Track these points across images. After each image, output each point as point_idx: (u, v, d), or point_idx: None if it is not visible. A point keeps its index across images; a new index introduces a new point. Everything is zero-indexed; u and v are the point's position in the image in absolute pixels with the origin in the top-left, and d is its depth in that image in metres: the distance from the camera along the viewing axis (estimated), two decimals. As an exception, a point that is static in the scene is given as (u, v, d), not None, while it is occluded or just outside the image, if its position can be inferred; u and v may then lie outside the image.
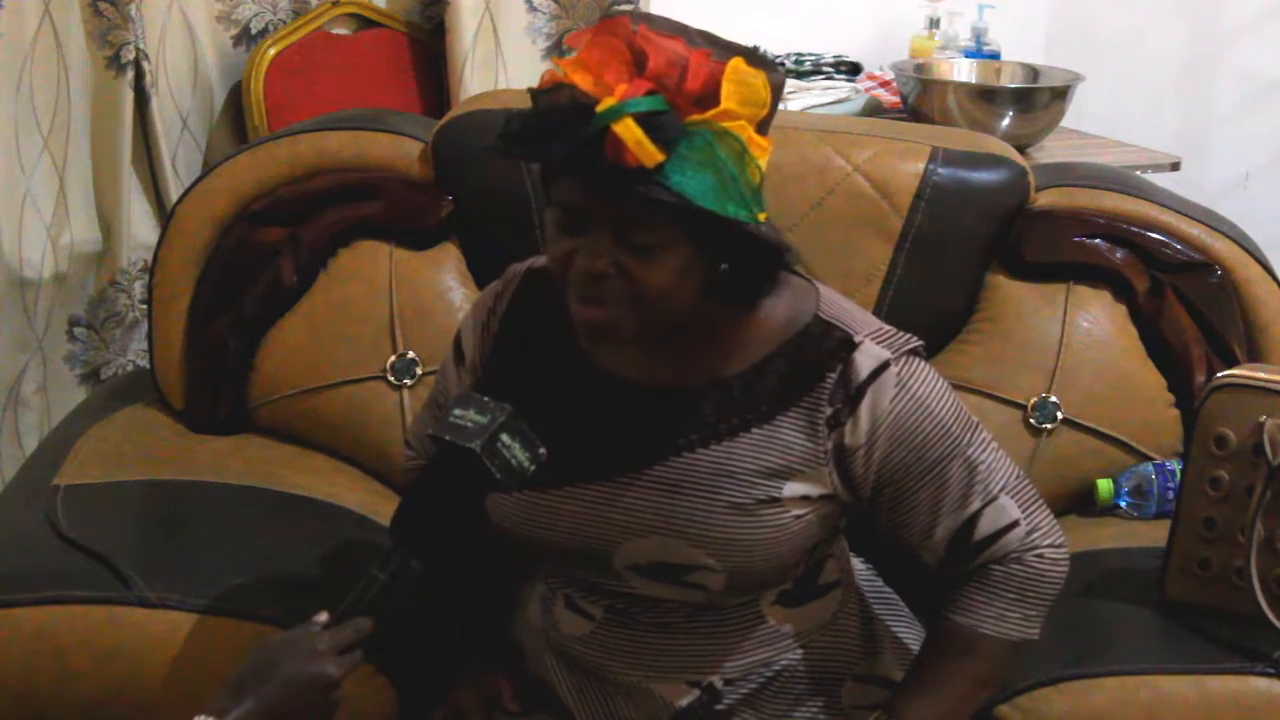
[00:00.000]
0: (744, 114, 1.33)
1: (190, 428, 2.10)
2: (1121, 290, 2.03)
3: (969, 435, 1.51)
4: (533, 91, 1.37)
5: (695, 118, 1.31)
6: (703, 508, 1.48)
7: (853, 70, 3.27)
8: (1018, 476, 1.54)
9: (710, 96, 1.32)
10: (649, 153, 1.29)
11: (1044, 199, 2.07)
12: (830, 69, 3.24)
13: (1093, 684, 1.64)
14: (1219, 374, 1.77)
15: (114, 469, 1.96)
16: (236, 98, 2.74)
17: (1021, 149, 2.72)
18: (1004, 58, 3.27)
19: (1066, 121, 3.02)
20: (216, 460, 2.01)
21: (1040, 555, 1.53)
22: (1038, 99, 2.98)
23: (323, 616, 1.40)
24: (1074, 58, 3.21)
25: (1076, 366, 2.00)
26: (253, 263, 2.07)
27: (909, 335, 1.51)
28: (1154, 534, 1.83)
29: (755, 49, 1.39)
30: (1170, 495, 1.91)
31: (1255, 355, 2.01)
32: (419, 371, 2.05)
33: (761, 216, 1.35)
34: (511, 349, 1.58)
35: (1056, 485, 1.97)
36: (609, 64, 1.32)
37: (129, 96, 2.56)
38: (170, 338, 2.11)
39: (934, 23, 3.32)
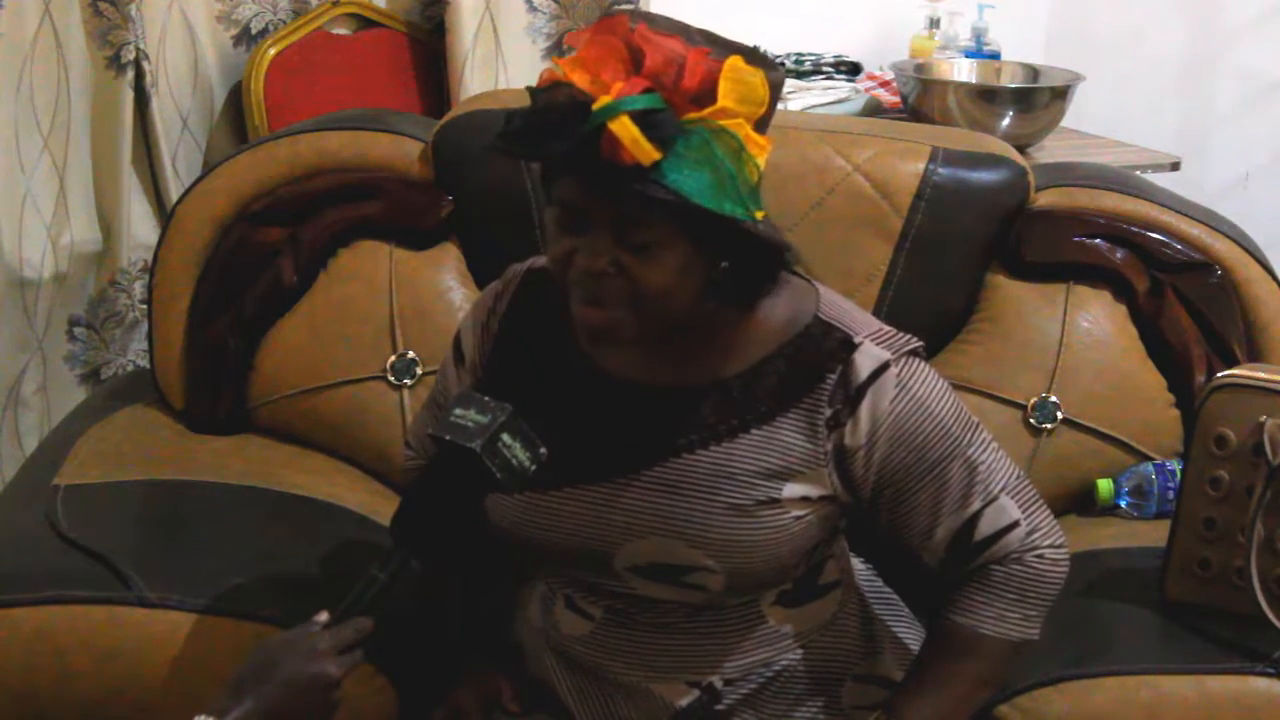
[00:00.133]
0: (741, 112, 1.33)
1: (190, 428, 2.10)
2: (1121, 290, 2.03)
3: (969, 436, 1.51)
4: (531, 90, 1.37)
5: (692, 116, 1.32)
6: (702, 509, 1.48)
7: (853, 70, 3.27)
8: (1018, 477, 1.54)
9: (707, 94, 1.32)
10: (645, 150, 1.29)
11: (1044, 199, 2.06)
12: (830, 69, 3.24)
13: (1093, 684, 1.64)
14: (1219, 374, 1.77)
15: (114, 469, 1.96)
16: (236, 98, 2.74)
17: (1021, 149, 2.72)
18: (1004, 58, 3.27)
19: (1066, 121, 3.02)
20: (216, 460, 2.01)
21: (1040, 556, 1.53)
22: (1038, 99, 2.98)
23: (323, 616, 1.40)
24: (1074, 58, 3.21)
25: (1076, 366, 2.00)
26: (253, 263, 2.07)
27: (909, 336, 1.51)
28: (1154, 534, 1.83)
29: (755, 48, 1.40)
30: (1170, 495, 1.91)
31: (1255, 355, 2.01)
32: (419, 371, 2.05)
33: (759, 215, 1.35)
34: (511, 349, 1.58)
35: (1056, 485, 1.97)
36: (606, 62, 1.33)
37: (129, 96, 2.56)
38: (170, 338, 2.11)
39: (934, 23, 3.32)
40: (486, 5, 2.79)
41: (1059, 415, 1.99)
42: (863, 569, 1.73)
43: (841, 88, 3.13)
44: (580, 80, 1.32)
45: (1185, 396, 1.99)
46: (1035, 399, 1.99)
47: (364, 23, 2.83)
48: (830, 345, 1.48)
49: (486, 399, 1.39)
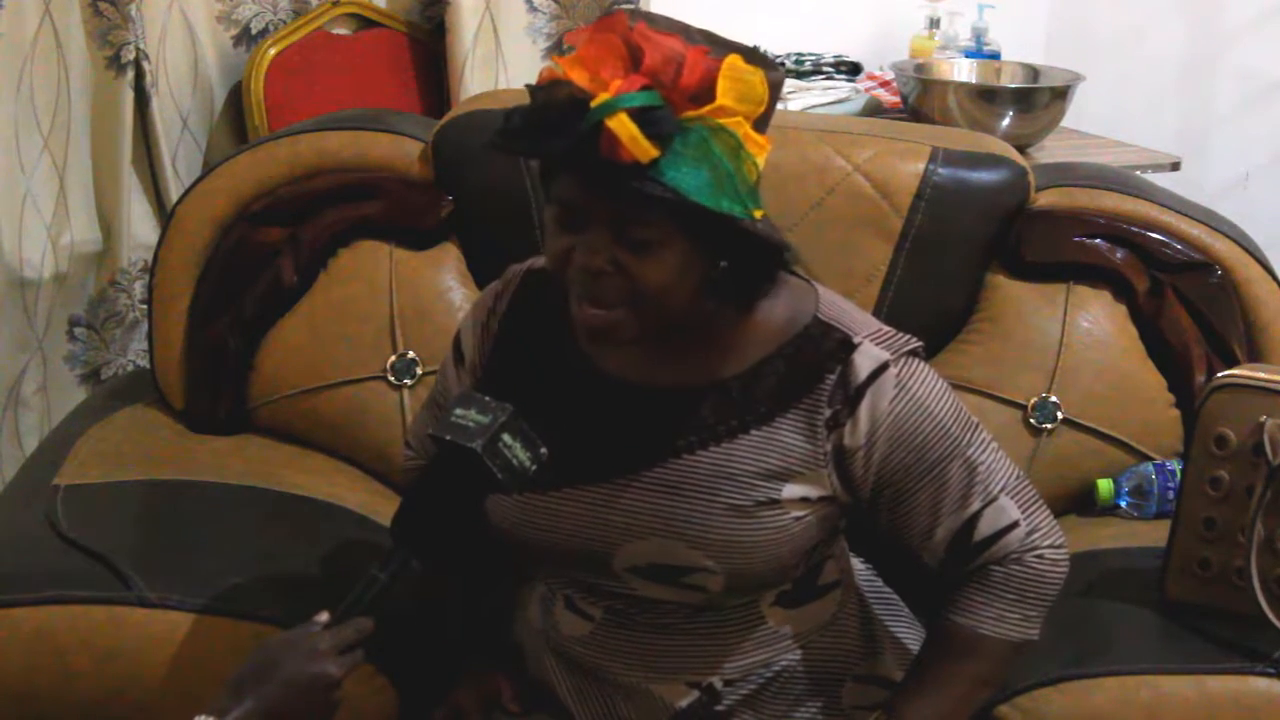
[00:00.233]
0: (740, 110, 1.33)
1: (190, 428, 2.10)
2: (1122, 290, 2.03)
3: (969, 436, 1.51)
4: (530, 88, 1.37)
5: (690, 114, 1.32)
6: (702, 510, 1.48)
7: (853, 70, 3.27)
8: (1017, 477, 1.54)
9: (706, 93, 1.32)
10: (643, 148, 1.29)
11: (1044, 199, 2.06)
12: (830, 69, 3.24)
13: (1093, 684, 1.64)
14: (1219, 374, 1.77)
15: (114, 469, 1.96)
16: (237, 98, 2.74)
17: (1022, 149, 2.73)
18: (1004, 58, 3.27)
19: (1066, 121, 3.02)
20: (216, 460, 2.01)
21: (1040, 556, 1.53)
22: (1038, 99, 2.99)
23: (323, 616, 1.40)
24: (1074, 58, 3.22)
25: (1076, 366, 2.00)
26: (253, 263, 2.07)
27: (908, 336, 1.51)
28: (1154, 534, 1.83)
29: (755, 48, 1.40)
30: (1170, 495, 1.91)
31: (1255, 355, 2.01)
32: (419, 371, 2.05)
33: (758, 213, 1.35)
34: (511, 350, 1.58)
35: (1056, 485, 1.97)
36: (605, 60, 1.33)
37: (129, 96, 2.56)
38: (170, 338, 2.11)
39: (934, 23, 3.32)
40: (487, 5, 2.79)
41: (1059, 415, 1.99)
42: (863, 569, 1.73)
43: (841, 88, 3.13)
44: (579, 78, 1.33)
45: (1185, 396, 1.99)
46: (1035, 399, 1.99)
47: (364, 23, 2.83)
48: (829, 346, 1.48)
49: (487, 399, 1.39)
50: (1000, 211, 2.05)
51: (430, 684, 1.70)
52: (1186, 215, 2.06)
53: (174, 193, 2.61)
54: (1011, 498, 1.52)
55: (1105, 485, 1.97)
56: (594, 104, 1.30)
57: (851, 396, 1.47)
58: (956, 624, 1.54)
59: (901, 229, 2.02)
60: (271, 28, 2.75)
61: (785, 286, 1.51)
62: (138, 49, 2.54)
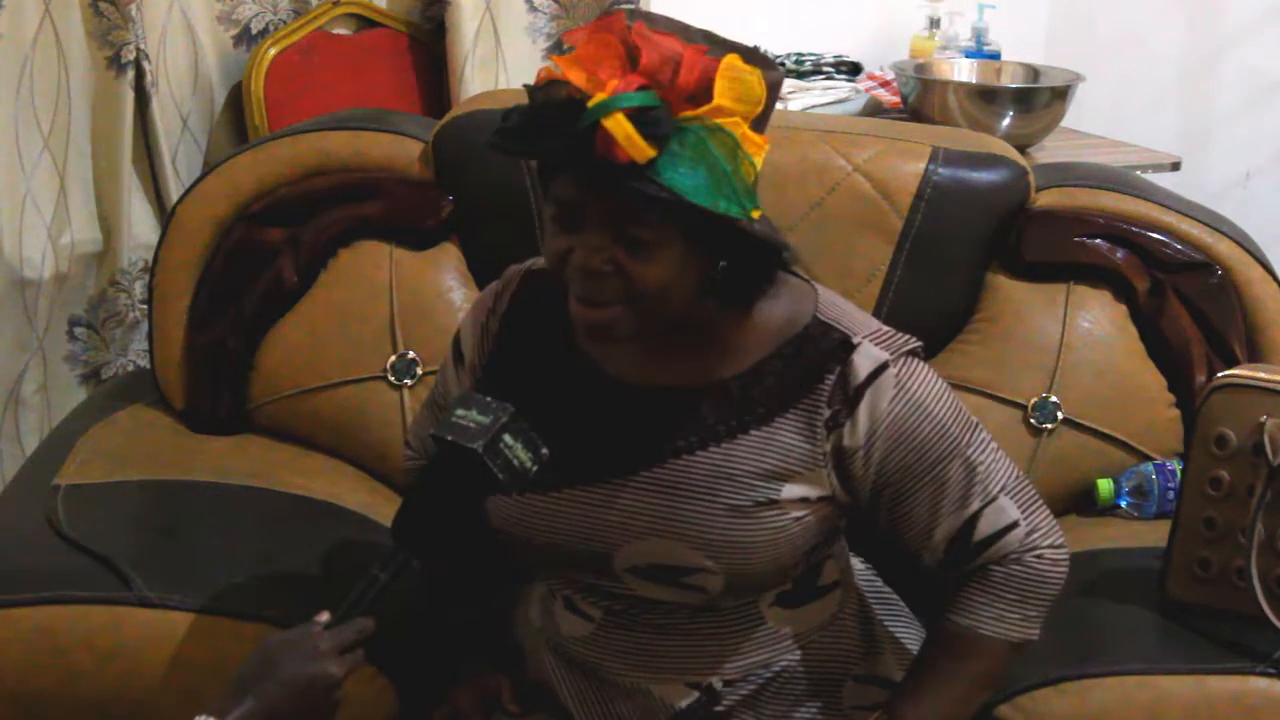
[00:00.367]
0: (738, 110, 1.33)
1: (190, 428, 2.10)
2: (1122, 290, 2.03)
3: (968, 436, 1.51)
4: (529, 87, 1.37)
5: (688, 114, 1.31)
6: (702, 510, 1.48)
7: (853, 70, 3.27)
8: (1017, 477, 1.54)
9: (703, 93, 1.32)
10: (639, 148, 1.29)
11: (1044, 199, 2.06)
12: (830, 69, 3.24)
13: (1093, 684, 1.64)
14: (1219, 374, 1.77)
15: (114, 469, 1.96)
16: (237, 98, 2.74)
17: (1022, 149, 2.73)
18: (1004, 58, 3.27)
19: (1067, 121, 3.02)
20: (216, 460, 2.01)
21: (1040, 556, 1.53)
22: (1038, 99, 2.99)
23: (324, 616, 1.40)
24: (1074, 58, 3.21)
25: (1077, 366, 2.00)
26: (253, 263, 2.08)
27: (908, 336, 1.51)
28: (1154, 534, 1.83)
29: (754, 48, 1.40)
30: (1171, 495, 1.91)
31: (1256, 355, 2.01)
32: (419, 371, 2.05)
33: (755, 213, 1.35)
34: (511, 350, 1.58)
35: (1057, 485, 1.97)
36: (603, 60, 1.33)
37: (129, 96, 2.56)
38: (170, 338, 2.11)
39: (934, 23, 3.32)
40: (487, 5, 2.79)
41: (1059, 415, 1.98)
42: (863, 569, 1.73)
43: (842, 88, 3.13)
44: (576, 78, 1.32)
45: (1186, 396, 1.99)
46: (1035, 399, 1.99)
47: (364, 23, 2.83)
48: (829, 346, 1.48)
49: (488, 399, 1.38)
50: (1000, 211, 2.05)
51: (430, 684, 1.70)
52: (1187, 215, 2.06)
53: (174, 193, 2.61)
54: (1011, 498, 1.52)
55: (1105, 485, 1.97)
56: (591, 103, 1.30)
57: (851, 396, 1.46)
58: (956, 624, 1.54)
59: (902, 229, 2.02)
60: (272, 28, 2.75)
61: (785, 286, 1.51)
62: (138, 49, 2.54)
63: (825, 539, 1.56)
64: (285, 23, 2.75)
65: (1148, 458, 1.99)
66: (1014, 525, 1.52)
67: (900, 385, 1.47)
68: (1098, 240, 2.03)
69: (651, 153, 1.29)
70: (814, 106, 3.01)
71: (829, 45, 3.32)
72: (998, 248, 2.06)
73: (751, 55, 1.36)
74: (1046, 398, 1.99)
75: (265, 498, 1.93)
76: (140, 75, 2.56)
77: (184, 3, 2.65)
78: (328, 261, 2.09)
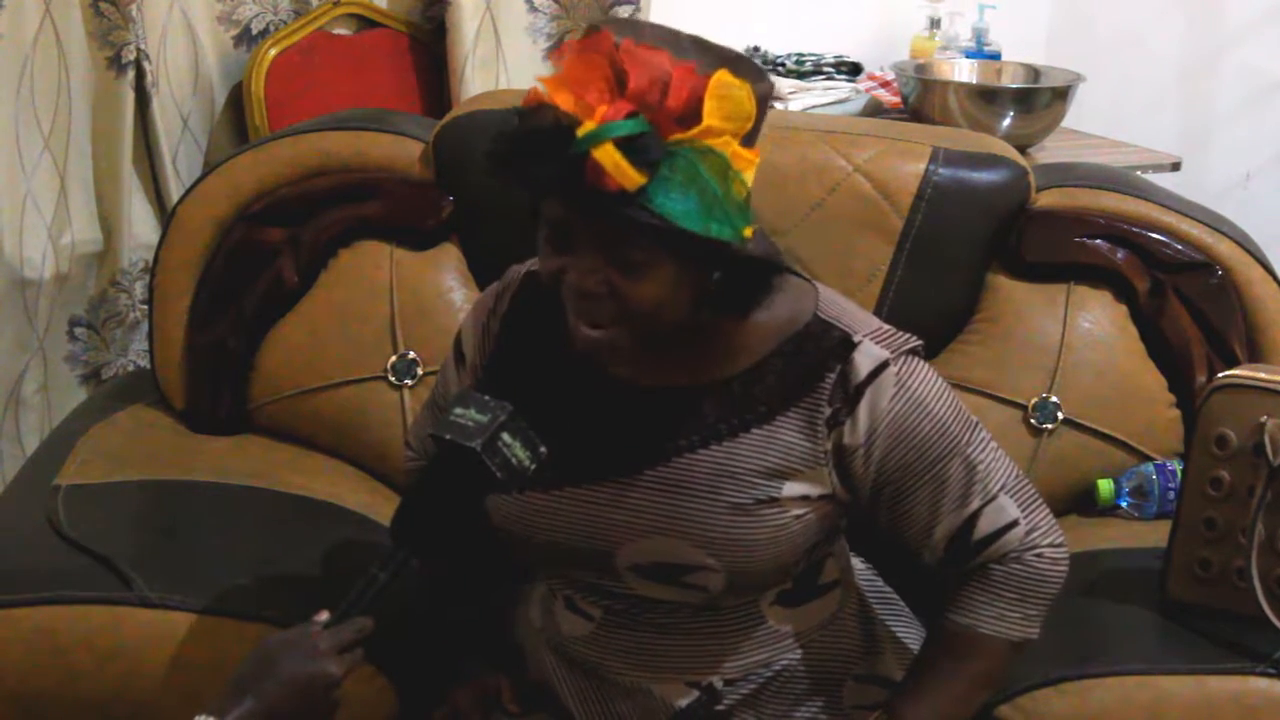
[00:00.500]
0: (728, 129, 1.31)
1: (190, 428, 2.10)
2: (1122, 290, 2.03)
3: (968, 435, 1.51)
4: (518, 111, 1.36)
5: (678, 136, 1.30)
6: (703, 508, 1.48)
7: (853, 70, 3.27)
8: (1017, 476, 1.54)
9: (693, 114, 1.30)
10: (629, 177, 1.28)
11: (1045, 199, 2.06)
12: (831, 69, 3.24)
13: (1093, 684, 1.64)
14: (1220, 374, 1.77)
15: (114, 469, 1.97)
16: (237, 98, 2.74)
17: (1022, 149, 2.72)
18: (1005, 58, 3.27)
19: (1067, 121, 3.02)
20: (217, 460, 2.01)
21: (1040, 555, 1.53)
22: (1038, 99, 2.98)
23: (323, 616, 1.40)
24: (1074, 58, 3.21)
25: (1077, 367, 2.00)
26: (253, 263, 2.08)
27: (908, 335, 1.51)
28: (1155, 534, 1.83)
29: (745, 57, 1.38)
30: (1171, 495, 1.91)
31: (1256, 356, 2.01)
32: (420, 372, 2.05)
33: (748, 232, 1.34)
34: (511, 350, 1.58)
35: (1057, 485, 1.97)
36: (590, 83, 1.31)
37: (130, 97, 2.56)
38: (171, 338, 2.11)
39: (935, 23, 3.32)
40: (487, 5, 2.79)
41: (1059, 415, 1.98)
42: (863, 569, 1.73)
43: (842, 88, 3.13)
44: (564, 102, 1.31)
45: (1186, 397, 1.99)
46: (1036, 399, 1.99)
47: (365, 23, 2.83)
48: (829, 344, 1.48)
49: (486, 398, 1.39)
50: (1001, 212, 2.05)
51: (430, 684, 1.70)
52: (1187, 215, 2.06)
53: (174, 193, 2.61)
54: (1011, 496, 1.52)
55: (1106, 485, 1.97)
56: (580, 133, 1.28)
57: (851, 395, 1.47)
58: (957, 623, 1.54)
59: (902, 229, 2.02)
60: (272, 28, 2.75)
61: (785, 285, 1.50)
62: (138, 49, 2.54)
63: (826, 537, 1.56)
64: (286, 23, 2.75)
65: (1148, 458, 1.99)
66: (1014, 524, 1.52)
67: (901, 384, 1.47)
68: (1098, 240, 2.03)
69: (641, 180, 1.28)
70: (814, 107, 3.01)
71: (829, 45, 3.31)
72: (998, 248, 2.06)
73: (740, 67, 1.34)
74: (1047, 398, 1.99)
75: (265, 498, 1.93)
76: (141, 75, 2.56)
77: (184, 3, 2.66)
78: (328, 261, 2.09)
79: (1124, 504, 1.97)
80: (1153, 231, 2.03)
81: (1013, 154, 2.11)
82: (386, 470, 2.03)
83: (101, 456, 2.00)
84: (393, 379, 2.05)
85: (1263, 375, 1.71)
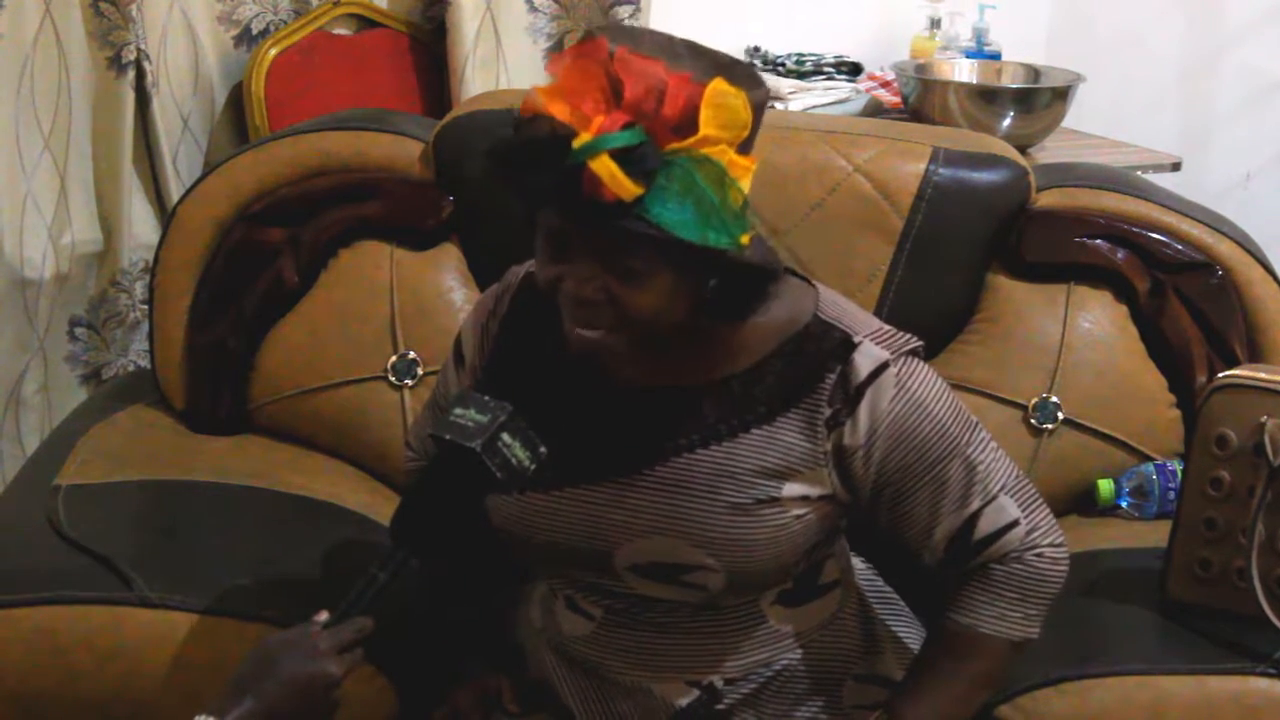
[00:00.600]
0: (724, 138, 1.31)
1: (191, 428, 2.10)
2: (1123, 290, 2.03)
3: (968, 435, 1.51)
4: (514, 121, 1.36)
5: (674, 146, 1.30)
6: (703, 508, 1.48)
7: (853, 70, 3.27)
8: (1017, 476, 1.54)
9: (689, 124, 1.30)
10: (625, 188, 1.28)
11: (1045, 199, 2.06)
12: (831, 69, 3.24)
13: (1093, 684, 1.64)
14: (1220, 374, 1.77)
15: (115, 469, 1.97)
16: (237, 98, 2.74)
17: (1022, 149, 2.72)
18: (1005, 58, 3.27)
19: (1067, 122, 3.02)
20: (217, 460, 2.01)
21: (1040, 554, 1.53)
22: (1038, 99, 2.98)
23: (323, 616, 1.40)
24: (1075, 58, 3.21)
25: (1077, 367, 2.00)
26: (253, 263, 2.08)
27: (908, 335, 1.51)
28: (1155, 534, 1.83)
29: (741, 63, 1.38)
30: (1171, 496, 1.91)
31: (1257, 356, 2.01)
32: (420, 372, 2.05)
33: (745, 239, 1.34)
34: (511, 350, 1.58)
35: (1057, 485, 1.97)
36: (586, 93, 1.31)
37: (130, 97, 2.56)
38: (171, 338, 2.11)
39: (935, 23, 3.32)
40: (487, 5, 2.79)
41: (1059, 415, 1.98)
42: (863, 569, 1.73)
43: (842, 88, 3.13)
44: (560, 112, 1.30)
45: (1186, 397, 1.99)
46: (1036, 399, 1.99)
47: (365, 23, 2.83)
48: (829, 345, 1.48)
49: (486, 399, 1.39)
50: (1001, 212, 2.05)
51: (430, 684, 1.70)
52: (1187, 215, 2.06)
53: (175, 193, 2.61)
54: (1011, 496, 1.52)
55: (1106, 485, 1.97)
56: (576, 144, 1.28)
57: (851, 396, 1.47)
58: (957, 623, 1.54)
59: (902, 229, 2.02)
60: (272, 28, 2.75)
61: (785, 286, 1.50)
62: (138, 49, 2.55)
63: (826, 537, 1.56)
64: (286, 23, 2.75)
65: (1148, 458, 1.99)
66: (1014, 524, 1.52)
67: (901, 384, 1.47)
68: (1098, 240, 2.03)
69: (638, 191, 1.28)
70: (814, 107, 3.01)
71: (829, 45, 3.31)
72: (998, 248, 2.06)
73: (736, 73, 1.34)
74: (1047, 398, 1.99)
75: (265, 498, 1.93)
76: (141, 75, 2.56)
77: (184, 3, 2.66)
78: (328, 262, 2.09)
79: (1124, 504, 1.97)
80: (1153, 231, 2.03)
81: (1013, 154, 2.11)
82: (386, 470, 2.03)
83: (101, 456, 2.00)
84: (393, 379, 2.05)
85: (1263, 375, 1.71)
